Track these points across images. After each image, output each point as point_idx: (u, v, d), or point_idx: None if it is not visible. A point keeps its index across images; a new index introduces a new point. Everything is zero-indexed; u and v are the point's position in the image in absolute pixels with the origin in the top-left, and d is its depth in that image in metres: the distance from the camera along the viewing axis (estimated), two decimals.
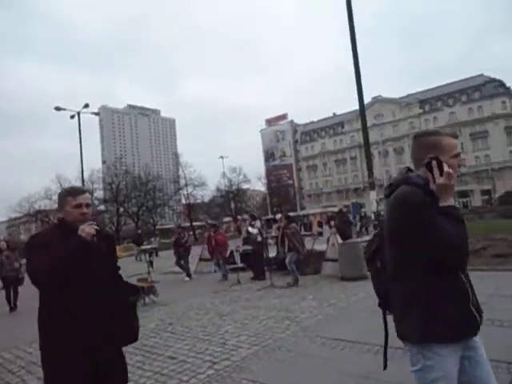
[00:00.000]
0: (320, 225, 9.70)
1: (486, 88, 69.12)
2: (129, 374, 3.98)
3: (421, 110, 76.87)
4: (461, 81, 71.51)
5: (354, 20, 10.92)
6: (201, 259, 12.08)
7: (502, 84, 69.00)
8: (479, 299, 3.66)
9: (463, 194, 65.91)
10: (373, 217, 9.95)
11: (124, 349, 4.71)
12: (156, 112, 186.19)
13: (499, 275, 7.17)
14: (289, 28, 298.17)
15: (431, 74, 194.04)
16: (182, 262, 11.28)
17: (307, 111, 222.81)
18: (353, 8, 10.91)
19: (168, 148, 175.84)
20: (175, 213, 54.78)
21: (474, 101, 70.22)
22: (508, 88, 69.62)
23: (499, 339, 3.95)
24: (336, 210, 52.22)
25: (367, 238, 13.44)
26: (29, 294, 5.81)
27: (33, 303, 2.19)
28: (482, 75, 70.67)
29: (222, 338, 4.93)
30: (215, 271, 10.94)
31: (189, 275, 11.15)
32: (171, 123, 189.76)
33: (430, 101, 76.04)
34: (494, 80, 68.91)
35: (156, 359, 4.40)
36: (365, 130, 10.93)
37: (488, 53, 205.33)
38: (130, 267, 16.02)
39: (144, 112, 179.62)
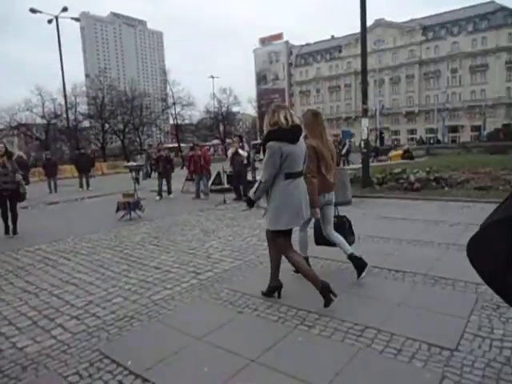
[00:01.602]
0: None
1: (494, 17, 65.38)
2: (114, 281, 4.13)
3: (423, 38, 73.20)
4: (469, 7, 67.28)
5: None
6: (187, 179, 12.07)
7: (511, 14, 65.17)
8: (457, 226, 3.71)
9: (453, 129, 65.91)
10: (362, 144, 9.84)
11: (110, 258, 4.89)
12: (142, 23, 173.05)
13: (479, 206, 7.37)
14: None
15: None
16: (165, 180, 11.32)
17: (304, 34, 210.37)
18: None
19: (155, 63, 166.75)
20: (162, 132, 53.73)
21: (479, 31, 66.80)
22: None
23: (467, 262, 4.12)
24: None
25: (353, 166, 13.51)
26: None
27: None
28: (492, 2, 66.33)
29: (206, 252, 5.07)
30: (202, 192, 10.92)
31: (160, 195, 11.23)
32: (159, 36, 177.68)
33: (433, 28, 72.07)
34: (504, 8, 64.91)
35: (141, 268, 4.52)
36: (364, 55, 10.33)
37: None
38: (117, 184, 16.08)
39: (129, 22, 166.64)
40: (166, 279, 4.11)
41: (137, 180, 11.66)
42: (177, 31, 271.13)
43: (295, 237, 3.86)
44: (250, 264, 4.47)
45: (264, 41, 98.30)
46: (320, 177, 3.62)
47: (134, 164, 11.75)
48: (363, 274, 3.74)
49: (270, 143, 3.06)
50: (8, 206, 6.69)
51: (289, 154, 3.05)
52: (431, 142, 53.83)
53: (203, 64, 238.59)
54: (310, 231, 4.22)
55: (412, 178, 9.36)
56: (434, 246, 4.80)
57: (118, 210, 7.88)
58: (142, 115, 40.73)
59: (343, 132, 42.87)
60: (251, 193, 3.32)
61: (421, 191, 8.97)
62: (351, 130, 61.64)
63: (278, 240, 3.31)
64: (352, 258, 3.80)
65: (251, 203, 3.43)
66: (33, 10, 25.94)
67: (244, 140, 11.60)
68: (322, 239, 4.17)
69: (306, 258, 4.01)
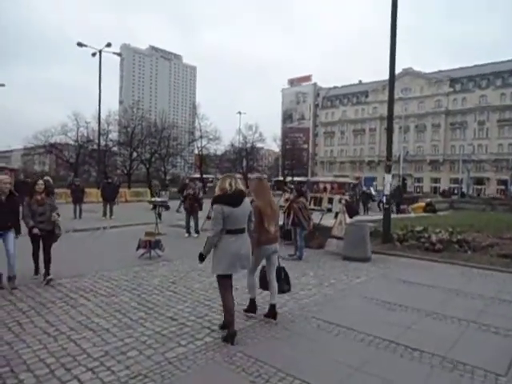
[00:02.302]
0: (330, 201, 9.78)
1: None
2: (131, 330, 4.20)
3: (451, 89, 73.85)
4: (497, 63, 67.96)
5: None
6: (208, 217, 12.22)
7: None
8: (479, 300, 3.67)
9: (479, 181, 64.83)
10: (384, 200, 9.85)
11: (128, 302, 5.01)
12: (178, 57, 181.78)
13: (502, 277, 7.18)
14: None
15: (467, 53, 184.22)
16: (192, 217, 11.44)
17: (331, 77, 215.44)
18: None
19: (186, 96, 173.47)
20: (187, 163, 54.94)
21: (508, 86, 67.05)
22: None
23: (492, 347, 4.02)
24: (348, 180, 51.95)
25: (373, 217, 13.42)
26: None
27: None
28: None
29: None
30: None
31: (189, 232, 11.36)
32: (192, 70, 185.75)
33: (461, 80, 72.80)
34: None
35: (157, 318, 4.58)
36: (391, 105, 10.52)
37: None
38: (140, 214, 16.43)
39: (166, 56, 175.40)
40: (181, 333, 4.15)
41: (159, 215, 11.95)
42: (209, 67, 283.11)
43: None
44: (264, 325, 4.47)
45: (293, 81, 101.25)
46: (263, 231, 4.39)
47: (158, 200, 12.03)
48: (274, 321, 4.52)
49: (215, 206, 3.85)
50: (41, 246, 6.09)
51: (229, 214, 3.81)
52: (455, 192, 52.97)
53: (232, 98, 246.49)
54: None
55: (434, 238, 9.24)
56: (454, 322, 4.68)
57: (138, 247, 8.04)
58: (169, 146, 41.97)
59: (365, 178, 42.73)
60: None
61: (442, 253, 8.81)
62: (373, 175, 61.55)
63: (219, 282, 4.07)
64: (272, 306, 4.60)
65: (202, 257, 3.98)
66: (80, 44, 27.79)
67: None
68: (264, 284, 4.76)
69: (254, 299, 4.77)
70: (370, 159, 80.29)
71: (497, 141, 67.81)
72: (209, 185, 44.75)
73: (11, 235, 5.70)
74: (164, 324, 4.41)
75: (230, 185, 3.91)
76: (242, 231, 3.95)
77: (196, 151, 48.89)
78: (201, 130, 43.74)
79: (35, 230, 5.88)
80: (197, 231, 11.40)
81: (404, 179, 58.83)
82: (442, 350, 3.86)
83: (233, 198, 3.88)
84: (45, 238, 6.07)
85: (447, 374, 3.41)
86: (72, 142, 40.38)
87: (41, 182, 6.20)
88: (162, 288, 5.87)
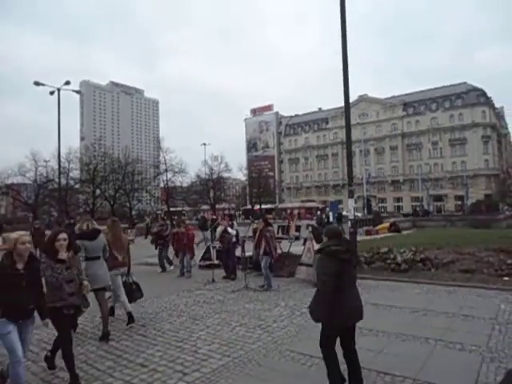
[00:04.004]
0: (298, 229, 9.93)
1: (468, 96, 70.83)
2: (98, 382, 4.02)
3: (404, 113, 78.21)
4: (445, 87, 73.01)
5: (347, 15, 10.86)
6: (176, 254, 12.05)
7: (483, 93, 70.84)
8: (444, 317, 4.16)
9: (438, 198, 67.92)
10: (349, 224, 10.12)
11: (95, 351, 4.68)
12: (139, 91, 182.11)
13: (464, 292, 7.48)
14: (277, 16, 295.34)
15: (418, 77, 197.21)
16: (163, 253, 11.42)
17: (293, 104, 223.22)
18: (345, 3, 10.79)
19: (150, 130, 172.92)
20: (153, 197, 54.16)
21: (456, 108, 71.92)
22: (489, 98, 71.52)
23: (458, 364, 4.15)
24: (314, 204, 52.87)
25: None
26: None
27: None
28: (465, 83, 72.31)
29: (194, 346, 4.98)
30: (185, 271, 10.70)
31: (162, 267, 11.26)
32: (155, 104, 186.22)
33: (413, 104, 77.40)
34: (476, 89, 70.66)
35: (127, 366, 4.41)
36: (348, 132, 11.00)
37: (475, 61, 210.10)
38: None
39: (127, 90, 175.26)
40: (152, 381, 4.00)
41: None
42: (171, 98, 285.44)
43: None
44: (238, 362, 4.40)
45: (255, 111, 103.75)
46: (112, 258, 5.82)
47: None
48: (132, 324, 5.87)
49: (77, 241, 5.17)
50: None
51: (87, 246, 5.31)
52: (417, 209, 55.05)
53: (196, 130, 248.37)
54: None
55: (399, 258, 9.54)
56: (423, 342, 4.81)
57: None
58: (134, 181, 41.36)
59: (331, 203, 43.82)
60: None
61: (408, 272, 9.09)
62: (338, 198, 62.99)
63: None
64: (128, 313, 5.95)
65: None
66: (37, 83, 27.27)
67: (235, 219, 11.81)
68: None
69: (112, 307, 6.34)
70: (335, 183, 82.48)
71: (450, 159, 71.87)
72: (183, 218, 44.11)
73: (30, 328, 3.65)
74: (134, 372, 4.24)
75: (87, 226, 5.53)
76: (98, 258, 5.39)
77: (162, 185, 48.41)
78: (166, 164, 43.55)
79: (66, 311, 3.92)
80: (170, 263, 11.53)
81: (369, 200, 60.62)
82: (412, 371, 3.94)
83: (90, 234, 5.45)
84: (71, 318, 4.17)
85: None
86: (30, 182, 38.92)
87: (63, 235, 4.02)
88: (131, 332, 5.67)
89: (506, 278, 8.10)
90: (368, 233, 21.60)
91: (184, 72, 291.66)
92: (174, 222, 23.50)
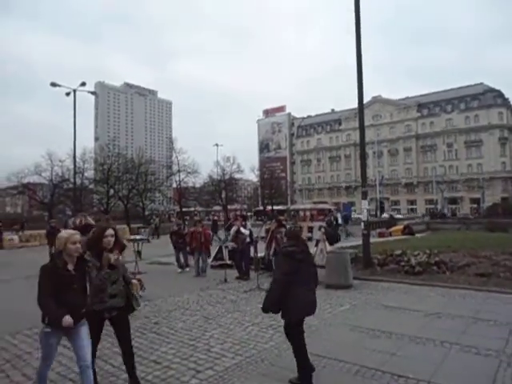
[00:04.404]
0: (310, 230, 9.87)
1: (484, 97, 69.58)
2: (114, 378, 4.08)
3: (418, 114, 77.27)
4: (460, 88, 71.91)
5: (361, 15, 10.79)
6: (188, 253, 12.14)
7: (500, 94, 69.53)
8: (459, 321, 4.10)
9: (453, 201, 66.83)
10: (362, 226, 10.06)
11: (109, 348, 4.59)
12: (153, 93, 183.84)
13: (480, 296, 7.36)
14: (291, 16, 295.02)
15: (433, 78, 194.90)
16: (181, 253, 11.50)
17: (306, 105, 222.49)
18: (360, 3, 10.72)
19: (163, 131, 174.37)
20: (166, 198, 54.57)
21: (471, 109, 70.73)
22: (506, 99, 70.19)
23: (474, 368, 4.10)
24: (326, 206, 52.56)
25: (353, 243, 13.59)
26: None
27: None
28: (481, 84, 71.05)
29: (207, 344, 5.01)
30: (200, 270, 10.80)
31: (181, 267, 11.37)
32: (168, 105, 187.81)
33: (428, 105, 76.42)
34: (493, 90, 69.37)
35: (141, 363, 4.45)
36: (362, 134, 10.93)
37: (491, 61, 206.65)
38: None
39: (141, 91, 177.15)
40: (165, 377, 4.05)
41: (139, 253, 11.77)
42: (184, 97, 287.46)
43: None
44: (251, 361, 4.42)
45: (267, 112, 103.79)
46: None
47: (138, 238, 11.90)
48: None
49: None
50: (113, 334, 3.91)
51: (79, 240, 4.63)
52: (434, 211, 54.26)
53: (209, 129, 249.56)
54: None
55: (413, 261, 9.43)
56: (437, 345, 4.75)
57: None
58: (147, 181, 41.72)
59: (343, 204, 43.56)
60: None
61: (422, 275, 8.99)
62: (351, 200, 62.50)
63: None
64: None
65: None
66: (53, 84, 27.82)
67: (247, 218, 11.85)
68: None
69: None
70: (347, 185, 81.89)
71: (466, 161, 70.70)
72: (195, 218, 44.36)
73: (85, 330, 3.33)
74: (147, 369, 4.30)
75: (81, 221, 6.00)
76: None
77: (174, 185, 48.74)
78: (178, 164, 43.81)
79: (108, 314, 3.63)
80: (186, 265, 11.51)
81: (381, 203, 60.08)
82: (426, 374, 3.90)
83: (81, 229, 5.06)
84: (117, 320, 3.73)
85: None
86: (46, 182, 39.60)
87: (111, 231, 3.68)
88: (145, 330, 5.74)
89: None
90: (381, 235, 21.40)
91: (196, 73, 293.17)
92: (187, 222, 23.69)
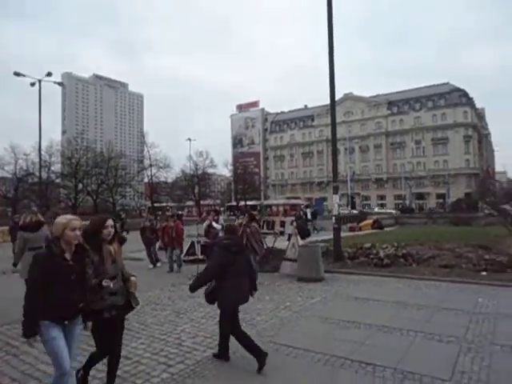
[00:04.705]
0: (282, 224, 9.86)
1: (451, 96, 72.11)
2: (82, 373, 3.97)
3: (388, 112, 79.18)
4: (428, 87, 74.13)
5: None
6: (160, 248, 11.97)
7: (465, 94, 72.22)
8: (424, 310, 4.31)
9: (420, 196, 69.08)
10: (333, 220, 10.24)
11: (78, 344, 4.31)
12: (124, 85, 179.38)
13: (444, 286, 7.67)
14: (269, 12, 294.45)
15: (403, 76, 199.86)
16: (152, 248, 11.29)
17: (279, 101, 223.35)
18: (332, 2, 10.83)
19: (134, 124, 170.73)
20: (137, 193, 53.56)
21: (438, 108, 73.15)
22: (471, 99, 72.97)
23: (437, 354, 4.27)
24: (299, 201, 53.12)
25: (323, 237, 13.81)
26: None
27: None
28: (448, 83, 73.59)
29: (178, 339, 4.98)
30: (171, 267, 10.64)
31: (153, 263, 11.17)
32: (139, 98, 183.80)
33: (397, 103, 78.40)
34: (458, 89, 71.97)
35: None
36: (334, 130, 11.12)
37: (459, 61, 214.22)
38: None
39: (111, 84, 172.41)
40: (136, 372, 4.00)
41: None
42: (155, 91, 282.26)
43: None
44: None
45: (241, 107, 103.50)
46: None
47: None
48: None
49: (19, 232, 5.93)
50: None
51: (29, 237, 5.73)
52: (404, 206, 55.90)
53: (181, 124, 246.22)
54: None
55: (381, 253, 9.70)
56: (403, 334, 4.92)
57: None
58: (117, 176, 40.80)
59: (316, 200, 44.24)
60: None
61: (390, 267, 9.26)
62: (323, 195, 63.37)
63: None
64: None
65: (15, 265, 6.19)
66: (17, 74, 26.63)
67: (220, 212, 11.80)
68: None
69: None
70: (320, 180, 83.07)
71: (433, 158, 73.22)
72: (167, 213, 43.77)
73: (77, 330, 3.08)
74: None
75: (31, 219, 5.87)
76: (40, 247, 4.64)
77: (146, 180, 47.90)
78: (150, 159, 43.09)
79: (108, 313, 3.19)
80: (157, 260, 11.30)
81: (353, 198, 61.32)
82: (393, 362, 4.04)
83: (31, 226, 5.79)
84: (114, 321, 3.32)
85: None
86: (9, 176, 38.01)
87: (111, 221, 3.32)
88: None
89: (484, 273, 8.34)
90: (352, 229, 21.87)
91: (171, 67, 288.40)
92: (158, 218, 23.32)
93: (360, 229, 21.57)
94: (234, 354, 4.41)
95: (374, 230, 19.94)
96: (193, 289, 4.26)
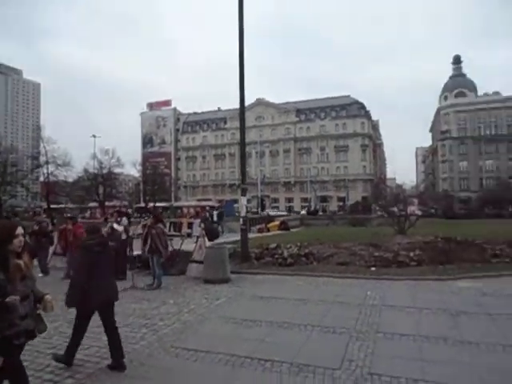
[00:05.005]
0: (190, 226, 9.73)
1: (351, 108, 78.89)
2: None
3: (297, 119, 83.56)
4: (332, 98, 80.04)
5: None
6: (55, 253, 10.91)
7: (363, 106, 79.61)
8: (322, 305, 4.53)
9: (324, 199, 74.10)
10: (241, 221, 10.41)
11: None
12: (17, 72, 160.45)
13: (340, 282, 8.29)
14: (184, 11, 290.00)
15: (313, 86, 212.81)
16: (42, 255, 10.02)
17: (192, 101, 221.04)
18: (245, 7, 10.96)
19: (29, 116, 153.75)
20: (30, 192, 48.20)
21: (340, 118, 79.50)
22: (368, 111, 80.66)
23: (330, 345, 4.57)
24: (211, 203, 53.07)
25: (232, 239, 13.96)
26: None
27: None
28: (349, 96, 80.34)
29: None
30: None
31: (44, 271, 9.99)
32: (35, 88, 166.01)
33: (305, 111, 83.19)
34: (357, 102, 79.09)
35: None
36: (242, 133, 11.34)
37: (362, 75, 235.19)
38: None
39: (2, 69, 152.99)
40: None
41: None
42: (58, 85, 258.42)
43: None
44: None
45: (152, 105, 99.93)
46: None
47: None
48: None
49: None
50: None
51: None
52: (311, 209, 59.15)
53: (85, 120, 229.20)
54: None
55: (285, 253, 10.13)
56: (302, 329, 5.17)
57: None
58: (6, 173, 36.19)
59: (226, 202, 44.75)
60: None
61: (293, 266, 9.72)
62: (235, 197, 64.20)
63: None
64: None
65: None
66: None
67: (124, 214, 11.15)
68: None
69: None
70: (232, 182, 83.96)
71: (335, 164, 79.23)
72: (66, 215, 39.98)
73: None
74: None
75: None
76: None
77: (42, 178, 43.36)
78: (47, 155, 39.01)
79: (17, 341, 2.61)
80: (43, 271, 9.98)
81: (263, 200, 63.21)
82: (290, 356, 4.20)
83: None
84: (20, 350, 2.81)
85: (294, 378, 3.73)
86: None
87: (21, 229, 2.77)
88: None
89: (373, 269, 9.22)
90: (260, 230, 22.50)
91: (77, 58, 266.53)
92: (55, 220, 21.22)
93: (268, 230, 22.30)
94: (132, 363, 4.19)
95: (280, 231, 20.78)
96: (69, 304, 4.19)
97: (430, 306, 6.19)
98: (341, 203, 70.01)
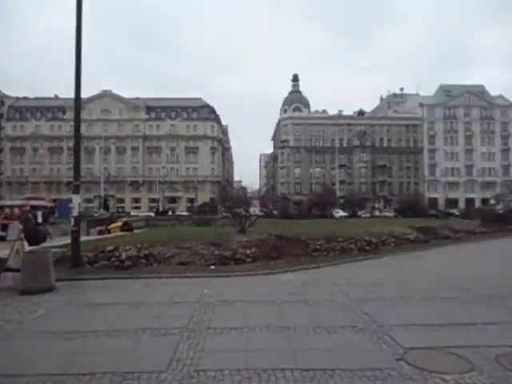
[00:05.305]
0: (4, 228, 8.02)
1: (202, 111, 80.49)
2: None
3: (147, 116, 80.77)
4: (184, 99, 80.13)
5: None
6: None
7: (213, 110, 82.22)
8: (157, 307, 5.04)
9: (173, 200, 73.42)
10: (72, 222, 9.35)
11: None
12: None
13: (179, 282, 8.23)
14: None
15: (163, 84, 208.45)
16: None
17: (22, 84, 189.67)
18: None
19: None
20: None
21: (192, 119, 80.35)
22: (218, 115, 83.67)
23: (160, 348, 4.42)
24: (43, 203, 46.53)
25: (64, 242, 12.50)
26: None
27: None
28: (200, 99, 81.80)
29: None
30: None
31: None
32: None
33: (156, 109, 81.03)
34: (208, 106, 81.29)
35: None
36: (77, 118, 10.22)
37: (216, 79, 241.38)
38: None
39: None
40: None
41: None
42: None
43: None
44: None
45: None
46: None
47: None
48: None
49: None
50: None
51: None
52: (159, 209, 57.58)
53: None
54: None
55: (123, 256, 9.53)
56: (131, 335, 4.88)
57: None
58: None
59: (61, 201, 40.06)
60: None
61: (131, 269, 9.22)
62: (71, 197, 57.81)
63: None
64: None
65: None
66: None
67: None
68: None
69: None
70: (69, 180, 75.29)
71: (185, 165, 79.40)
72: None
73: None
74: None
75: None
76: None
77: None
78: None
79: None
80: None
81: (107, 200, 58.71)
82: (113, 365, 3.90)
83: None
84: None
85: None
86: None
87: None
88: None
89: (213, 267, 9.49)
90: (101, 232, 20.78)
91: None
92: None
93: (109, 232, 20.75)
94: None
95: (123, 233, 19.58)
96: None
97: (260, 298, 6.68)
98: (189, 204, 70.64)
